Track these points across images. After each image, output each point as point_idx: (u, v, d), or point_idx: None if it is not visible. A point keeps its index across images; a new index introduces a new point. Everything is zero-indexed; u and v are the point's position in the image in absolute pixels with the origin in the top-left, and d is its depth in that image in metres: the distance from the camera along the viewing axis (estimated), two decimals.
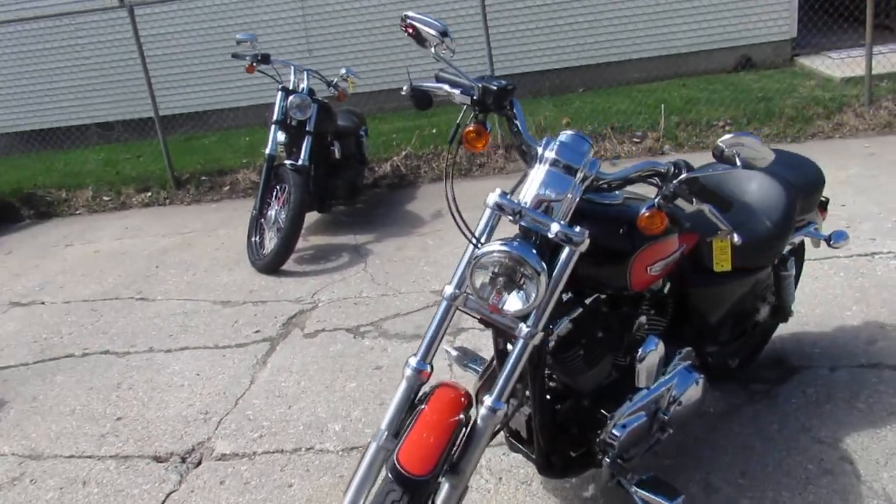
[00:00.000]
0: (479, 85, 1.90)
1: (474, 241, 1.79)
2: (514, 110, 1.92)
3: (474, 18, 7.03)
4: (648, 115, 6.60)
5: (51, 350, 3.96)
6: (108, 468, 2.87)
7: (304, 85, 5.01)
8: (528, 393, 1.97)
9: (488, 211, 1.82)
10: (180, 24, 8.35)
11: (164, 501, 2.64)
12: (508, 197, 1.77)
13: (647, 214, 1.77)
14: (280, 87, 4.96)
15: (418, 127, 7.03)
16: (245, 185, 6.62)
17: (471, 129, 1.89)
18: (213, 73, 8.49)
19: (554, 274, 1.74)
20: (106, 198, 6.85)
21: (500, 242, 1.70)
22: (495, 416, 1.75)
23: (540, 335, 1.76)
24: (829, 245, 2.72)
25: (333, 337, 3.70)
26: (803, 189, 2.55)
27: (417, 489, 1.62)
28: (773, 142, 5.95)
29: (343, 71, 5.28)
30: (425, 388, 1.85)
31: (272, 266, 4.61)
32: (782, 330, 3.03)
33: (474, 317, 1.87)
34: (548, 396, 2.07)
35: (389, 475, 1.64)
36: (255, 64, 5.05)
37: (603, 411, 2.09)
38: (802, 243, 2.87)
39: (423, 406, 1.75)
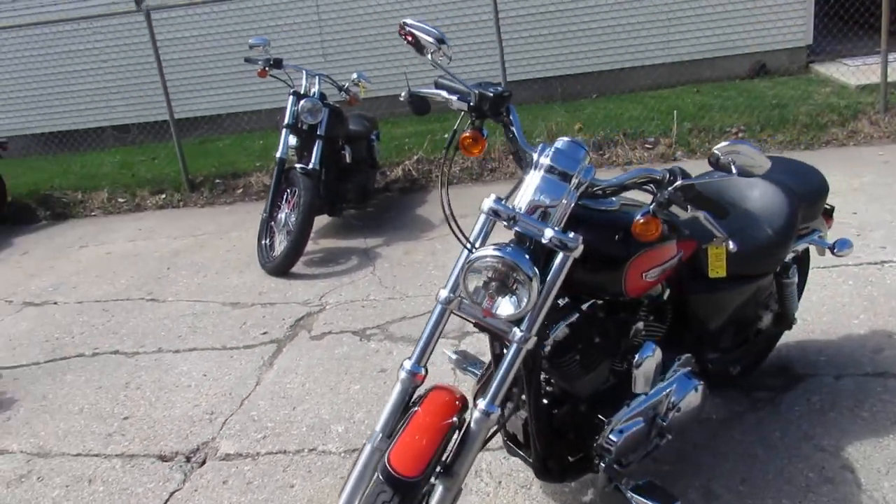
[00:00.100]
0: (476, 91, 1.91)
1: (469, 245, 1.80)
2: (511, 117, 1.94)
3: (487, 24, 7.06)
4: (661, 121, 6.59)
5: (62, 349, 4.02)
6: (114, 467, 2.91)
7: (315, 89, 5.05)
8: (524, 397, 1.98)
9: (483, 216, 1.84)
10: (196, 28, 8.44)
11: (167, 500, 2.67)
12: (503, 202, 1.79)
13: (641, 221, 1.78)
14: (291, 91, 5.01)
15: (430, 131, 7.05)
16: (258, 187, 6.68)
17: (467, 134, 1.91)
18: (228, 77, 8.57)
19: (547, 279, 1.75)
20: (121, 199, 6.94)
21: (493, 247, 1.72)
22: (489, 420, 1.77)
23: (533, 340, 1.77)
24: (833, 253, 2.71)
25: (339, 339, 3.72)
26: (806, 197, 2.54)
27: (408, 490, 1.64)
28: (787, 149, 5.92)
29: (354, 75, 5.32)
30: (420, 391, 1.86)
31: (282, 268, 4.65)
32: (788, 337, 3.02)
33: (469, 321, 1.89)
34: (545, 401, 2.08)
35: (380, 476, 1.65)
36: (267, 68, 5.10)
37: (600, 416, 2.10)
38: (807, 251, 2.85)
39: (416, 408, 1.76)
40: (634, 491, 2.06)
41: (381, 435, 1.79)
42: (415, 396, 1.85)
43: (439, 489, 1.76)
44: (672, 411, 2.19)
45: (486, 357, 2.37)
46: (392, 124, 7.89)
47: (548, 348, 1.95)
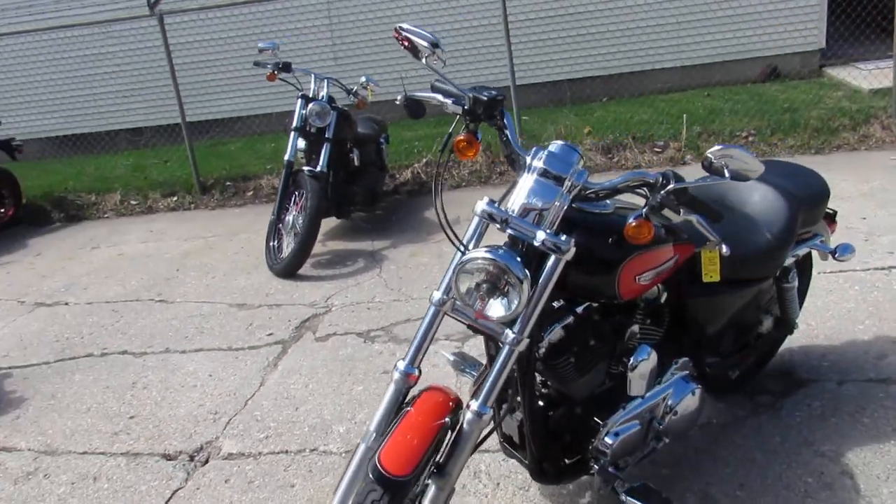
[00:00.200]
0: (470, 95, 1.93)
1: (461, 247, 1.82)
2: (504, 120, 1.96)
3: (497, 28, 7.07)
4: (671, 124, 6.57)
5: (71, 349, 4.07)
6: (119, 465, 2.95)
7: (323, 93, 5.09)
8: (518, 398, 1.99)
9: (476, 218, 1.85)
10: (209, 33, 8.51)
11: (170, 498, 2.70)
12: (497, 205, 1.80)
13: (634, 224, 1.79)
14: (300, 94, 5.05)
15: (440, 135, 7.02)
16: (268, 190, 6.72)
17: (461, 138, 1.93)
18: (239, 81, 8.65)
19: (539, 281, 1.77)
20: (133, 202, 7.01)
21: (485, 249, 1.73)
22: (481, 421, 1.78)
23: (525, 342, 1.79)
24: (834, 258, 2.69)
25: (344, 341, 3.75)
26: (806, 201, 2.53)
27: (398, 489, 1.65)
28: (797, 153, 5.89)
29: (363, 79, 5.35)
30: (415, 392, 1.88)
31: (289, 270, 4.69)
32: (791, 342, 3.02)
33: (462, 322, 1.90)
34: (540, 403, 2.09)
35: (370, 475, 1.67)
36: (276, 72, 5.14)
37: (596, 419, 2.11)
38: (808, 256, 2.84)
39: (409, 408, 1.78)
40: (629, 494, 2.06)
41: (374, 434, 1.81)
42: (409, 397, 1.86)
43: (432, 489, 1.77)
44: (669, 415, 2.19)
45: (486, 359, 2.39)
46: (402, 127, 7.91)
47: (543, 350, 1.96)
